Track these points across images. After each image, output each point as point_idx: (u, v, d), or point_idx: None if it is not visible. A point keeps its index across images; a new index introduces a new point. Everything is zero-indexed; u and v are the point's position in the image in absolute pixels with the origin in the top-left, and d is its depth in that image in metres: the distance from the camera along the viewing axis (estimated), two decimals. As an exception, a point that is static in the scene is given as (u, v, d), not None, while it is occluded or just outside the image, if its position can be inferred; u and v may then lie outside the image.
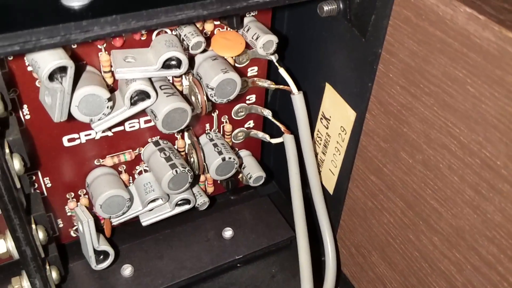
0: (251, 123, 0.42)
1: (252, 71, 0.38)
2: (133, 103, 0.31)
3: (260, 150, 0.45)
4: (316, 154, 0.40)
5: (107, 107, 0.30)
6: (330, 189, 0.40)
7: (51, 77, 0.26)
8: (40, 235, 0.31)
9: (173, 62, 0.31)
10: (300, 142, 0.38)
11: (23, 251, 0.29)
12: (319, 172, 0.40)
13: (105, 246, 0.37)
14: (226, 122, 0.40)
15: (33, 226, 0.31)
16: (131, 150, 0.37)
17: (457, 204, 0.28)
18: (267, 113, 0.40)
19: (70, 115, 0.29)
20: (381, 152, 0.33)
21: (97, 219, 0.38)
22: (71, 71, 0.26)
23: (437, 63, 0.26)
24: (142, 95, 0.31)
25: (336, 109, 0.36)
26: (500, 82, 0.23)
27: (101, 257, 0.37)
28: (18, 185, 0.28)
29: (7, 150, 0.27)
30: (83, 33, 0.23)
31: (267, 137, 0.42)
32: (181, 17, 0.25)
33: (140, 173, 0.39)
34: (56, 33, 0.23)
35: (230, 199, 0.46)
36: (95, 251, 0.36)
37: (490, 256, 0.27)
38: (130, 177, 0.38)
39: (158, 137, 0.38)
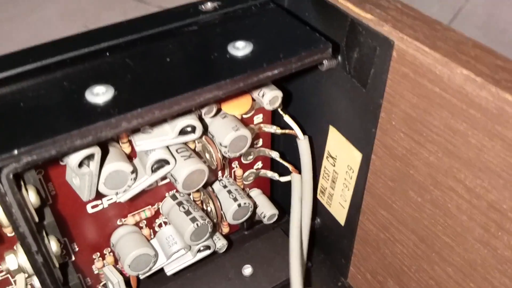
0: (259, 164, 0.44)
1: (258, 118, 0.40)
2: (154, 171, 0.33)
3: (269, 186, 0.46)
4: (324, 189, 0.42)
5: (131, 179, 0.32)
6: (341, 221, 0.42)
7: (80, 163, 0.28)
8: (78, 303, 0.33)
9: (188, 129, 0.33)
10: (302, 183, 0.40)
11: (66, 324, 0.31)
12: (329, 205, 0.42)
13: (135, 301, 0.38)
14: (236, 167, 0.42)
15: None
16: (150, 206, 0.39)
17: (467, 240, 0.30)
18: (275, 155, 0.42)
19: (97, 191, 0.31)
20: (390, 191, 0.35)
21: (123, 274, 0.40)
22: (98, 156, 0.28)
23: (438, 116, 0.28)
24: (162, 162, 0.33)
25: (342, 150, 0.38)
26: (500, 136, 0.25)
27: (133, 311, 0.39)
28: (57, 264, 0.30)
29: (44, 235, 0.29)
30: (112, 129, 0.25)
31: (276, 176, 0.43)
32: (199, 100, 0.27)
33: (160, 225, 0.40)
34: (88, 133, 0.24)
35: (244, 234, 0.48)
36: (127, 307, 0.38)
37: (503, 287, 0.29)
38: (151, 230, 0.40)
39: (175, 190, 0.39)
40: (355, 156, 0.37)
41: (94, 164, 0.28)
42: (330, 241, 0.46)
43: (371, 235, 0.39)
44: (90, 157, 0.28)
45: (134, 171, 0.32)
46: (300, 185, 0.40)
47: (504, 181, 0.26)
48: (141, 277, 0.39)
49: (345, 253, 0.44)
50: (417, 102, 0.29)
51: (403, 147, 0.32)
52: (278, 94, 0.35)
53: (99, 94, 0.26)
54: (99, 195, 0.35)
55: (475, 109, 0.26)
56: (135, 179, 0.32)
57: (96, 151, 0.28)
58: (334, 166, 0.40)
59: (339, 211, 0.42)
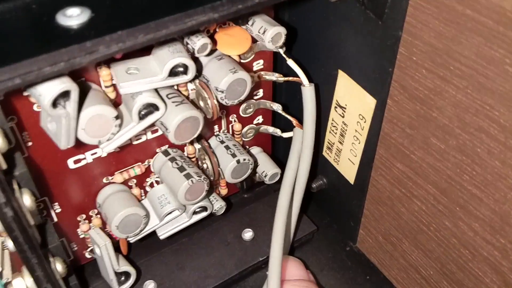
0: (260, 119, 0.40)
1: (257, 65, 0.36)
2: (141, 118, 0.29)
3: (270, 144, 0.43)
4: (332, 144, 0.38)
5: (116, 126, 0.28)
6: (351, 179, 0.38)
7: (54, 103, 0.24)
8: (59, 267, 0.29)
9: (180, 69, 0.29)
10: (303, 135, 0.36)
11: (44, 289, 0.27)
12: (337, 162, 0.39)
13: (125, 267, 0.35)
14: (234, 121, 0.38)
15: (51, 259, 0.29)
16: (140, 163, 0.35)
17: (499, 189, 0.27)
18: (277, 107, 0.38)
19: (76, 139, 0.27)
20: (408, 139, 0.31)
21: (112, 238, 0.36)
22: (75, 95, 0.24)
23: (469, 44, 0.24)
24: (150, 108, 0.29)
25: (353, 97, 0.34)
26: (547, 60, 0.22)
27: (123, 278, 0.35)
28: (32, 222, 0.26)
29: (15, 187, 0.25)
30: (88, 55, 0.21)
31: (278, 132, 0.40)
32: (191, 23, 0.23)
33: (151, 185, 0.36)
34: (59, 59, 0.20)
35: (244, 197, 0.44)
36: (115, 273, 0.34)
37: (541, 241, 0.26)
38: (142, 190, 0.36)
39: (167, 146, 0.36)
40: (368, 103, 0.33)
41: (71, 104, 0.24)
42: (338, 202, 0.42)
43: (385, 193, 0.36)
44: (66, 96, 0.24)
45: (119, 117, 0.28)
46: (301, 140, 0.36)
47: (549, 115, 0.22)
48: (132, 240, 0.36)
49: (354, 215, 0.40)
50: (443, 30, 0.25)
51: (425, 86, 0.28)
52: (281, 30, 0.31)
53: (73, 16, 0.22)
54: (81, 148, 0.31)
55: (515, 30, 0.22)
56: (120, 126, 0.28)
57: (73, 88, 0.24)
58: (343, 117, 0.36)
59: (348, 168, 0.38)
